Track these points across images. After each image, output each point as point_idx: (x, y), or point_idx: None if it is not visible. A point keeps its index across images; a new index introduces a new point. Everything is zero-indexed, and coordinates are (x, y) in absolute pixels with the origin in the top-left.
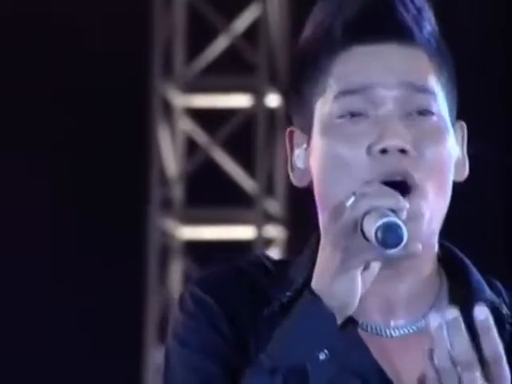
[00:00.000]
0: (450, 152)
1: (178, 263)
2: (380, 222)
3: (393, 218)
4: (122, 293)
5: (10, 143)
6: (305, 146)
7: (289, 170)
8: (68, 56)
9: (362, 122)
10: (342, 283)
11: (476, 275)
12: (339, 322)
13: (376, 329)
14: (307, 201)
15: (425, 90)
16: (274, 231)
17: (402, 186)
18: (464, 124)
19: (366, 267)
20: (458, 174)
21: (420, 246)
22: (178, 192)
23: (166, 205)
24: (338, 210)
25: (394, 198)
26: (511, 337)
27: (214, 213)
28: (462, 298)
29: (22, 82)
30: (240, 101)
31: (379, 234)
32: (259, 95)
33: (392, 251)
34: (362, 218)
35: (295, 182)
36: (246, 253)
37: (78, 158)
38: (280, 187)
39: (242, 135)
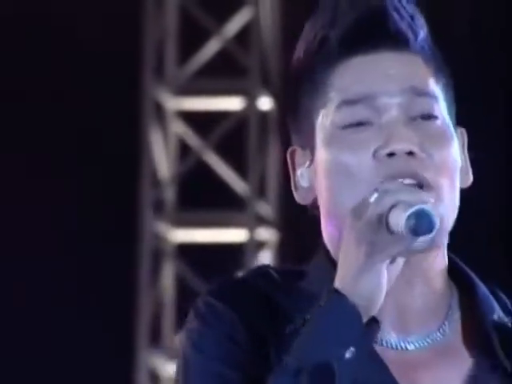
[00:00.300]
0: (456, 156)
1: (170, 266)
2: (411, 210)
3: (424, 205)
4: (115, 295)
5: None
6: (307, 163)
7: (293, 189)
8: (59, 57)
9: (367, 130)
10: (369, 279)
11: (482, 288)
12: (364, 320)
13: (390, 342)
14: (299, 203)
15: (427, 94)
16: (265, 234)
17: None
18: (464, 131)
19: (392, 262)
20: (462, 181)
21: (445, 239)
22: (170, 195)
23: (158, 207)
24: (361, 207)
25: (418, 193)
26: None
27: (206, 215)
28: (472, 312)
29: (17, 82)
30: (232, 104)
31: (411, 221)
32: (251, 98)
33: (422, 239)
34: (388, 212)
35: (300, 200)
36: (238, 255)
37: (70, 160)
38: (272, 190)
39: (234, 138)
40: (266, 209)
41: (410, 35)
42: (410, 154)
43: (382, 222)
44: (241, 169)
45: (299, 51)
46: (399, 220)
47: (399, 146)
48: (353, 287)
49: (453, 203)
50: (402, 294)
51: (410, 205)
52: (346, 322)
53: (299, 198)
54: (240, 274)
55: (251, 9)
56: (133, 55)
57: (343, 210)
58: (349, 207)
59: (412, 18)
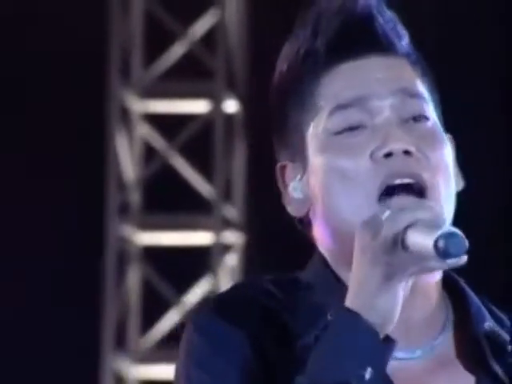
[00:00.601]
0: (449, 158)
1: (136, 269)
2: (441, 232)
3: (453, 228)
4: (80, 299)
5: None
6: (299, 176)
7: (285, 204)
8: (25, 58)
9: (361, 134)
10: (386, 299)
11: (474, 298)
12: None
13: (394, 355)
14: (265, 206)
15: (417, 95)
16: (232, 237)
17: (414, 188)
18: (451, 137)
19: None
20: (456, 185)
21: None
22: (135, 198)
23: (124, 210)
24: (373, 224)
25: (432, 209)
26: None
27: (172, 218)
28: (464, 322)
29: None
30: (198, 106)
31: (441, 244)
32: (217, 101)
33: (451, 261)
34: (404, 231)
35: (293, 212)
36: (204, 258)
37: (35, 162)
38: (238, 193)
39: (200, 141)
40: (232, 212)
41: (396, 39)
42: (407, 153)
43: (398, 241)
44: (207, 172)
45: (282, 65)
46: (423, 241)
47: (396, 146)
48: (369, 307)
49: (450, 205)
50: (406, 306)
51: (430, 225)
52: (364, 342)
53: (293, 210)
54: (235, 285)
55: (217, 11)
56: (99, 58)
57: (343, 216)
58: (348, 213)
59: (395, 23)
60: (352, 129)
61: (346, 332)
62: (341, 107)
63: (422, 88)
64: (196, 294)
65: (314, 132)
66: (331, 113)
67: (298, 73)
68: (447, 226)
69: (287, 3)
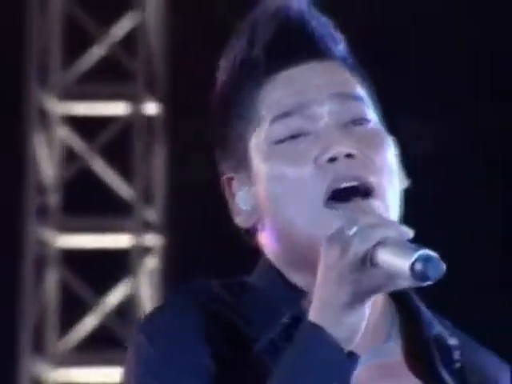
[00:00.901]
0: (393, 159)
1: (54, 272)
2: (418, 254)
3: (429, 251)
4: None
5: None
6: (246, 187)
7: (233, 215)
8: None
9: (304, 141)
10: (353, 316)
11: (422, 307)
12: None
13: None
14: (185, 209)
15: (356, 98)
16: (152, 239)
17: (360, 190)
18: (394, 140)
19: None
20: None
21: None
22: (54, 200)
23: (43, 213)
24: (338, 240)
25: (400, 227)
26: (461, 370)
27: (91, 221)
28: (413, 330)
29: None
30: (118, 108)
31: (419, 267)
32: (137, 103)
33: (427, 283)
34: (373, 249)
35: (242, 223)
36: (123, 261)
37: None
38: (158, 195)
39: (120, 143)
40: (151, 214)
41: (332, 43)
42: (350, 156)
43: (367, 259)
44: (127, 174)
45: (221, 76)
46: (395, 260)
47: (339, 150)
48: (335, 323)
49: (395, 206)
50: None
51: (400, 244)
52: (330, 358)
53: (241, 221)
54: (184, 290)
55: (137, 13)
56: (17, 60)
57: (292, 223)
58: (297, 219)
59: (329, 27)
60: (294, 136)
61: (312, 348)
62: (282, 116)
63: (360, 91)
64: (115, 296)
65: (257, 142)
66: (272, 121)
67: (238, 82)
68: (423, 249)
69: (207, 6)
